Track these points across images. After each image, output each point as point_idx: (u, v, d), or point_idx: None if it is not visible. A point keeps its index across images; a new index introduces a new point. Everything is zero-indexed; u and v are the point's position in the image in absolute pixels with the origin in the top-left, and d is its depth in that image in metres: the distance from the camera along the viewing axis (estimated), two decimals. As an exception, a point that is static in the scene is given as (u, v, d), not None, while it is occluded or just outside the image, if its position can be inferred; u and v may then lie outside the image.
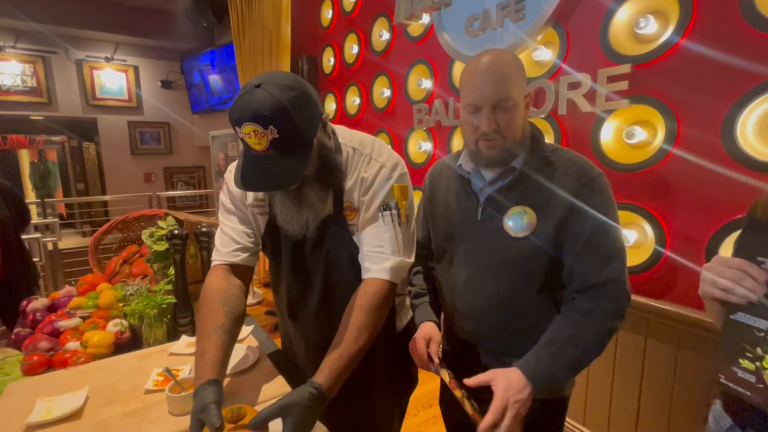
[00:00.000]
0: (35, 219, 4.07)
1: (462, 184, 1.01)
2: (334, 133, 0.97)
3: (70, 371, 1.10)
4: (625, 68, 1.60)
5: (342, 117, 3.54)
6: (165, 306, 1.32)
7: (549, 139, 1.90)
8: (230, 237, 1.01)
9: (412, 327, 1.12)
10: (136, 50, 6.08)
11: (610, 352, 1.73)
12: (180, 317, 1.36)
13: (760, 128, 1.31)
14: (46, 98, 5.51)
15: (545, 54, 1.91)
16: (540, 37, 1.93)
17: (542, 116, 1.92)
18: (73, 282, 1.76)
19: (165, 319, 1.33)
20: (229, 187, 1.02)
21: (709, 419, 0.83)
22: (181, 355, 1.17)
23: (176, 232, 1.37)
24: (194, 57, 5.95)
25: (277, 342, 1.30)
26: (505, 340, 0.98)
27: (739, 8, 1.31)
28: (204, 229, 1.42)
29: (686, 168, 1.48)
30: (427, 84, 2.60)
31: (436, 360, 0.98)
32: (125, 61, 6.01)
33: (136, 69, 6.11)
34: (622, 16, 1.63)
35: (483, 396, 0.85)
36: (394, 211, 0.95)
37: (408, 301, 1.17)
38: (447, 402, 1.23)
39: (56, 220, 4.15)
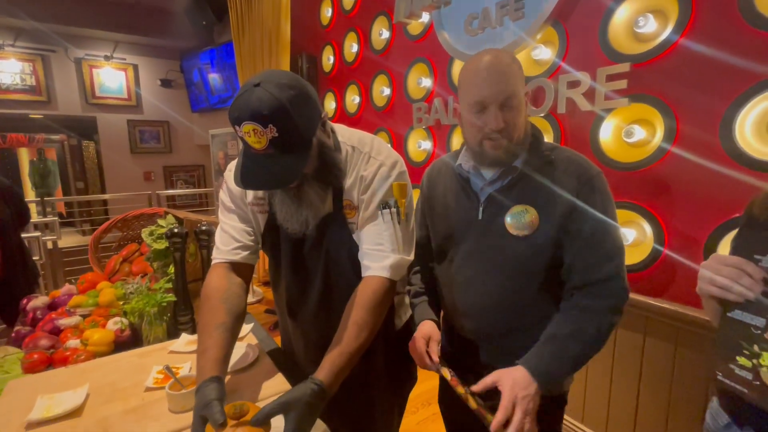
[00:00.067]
0: (35, 218, 4.07)
1: (461, 184, 1.02)
2: (333, 131, 0.98)
3: (71, 369, 1.10)
4: (625, 67, 1.60)
5: (342, 116, 3.54)
6: (165, 304, 1.33)
7: (548, 137, 1.90)
8: (230, 235, 1.01)
9: (411, 325, 1.12)
10: (135, 49, 6.08)
11: (609, 351, 1.74)
12: (180, 315, 1.36)
13: (758, 127, 1.32)
14: (45, 97, 5.51)
15: (544, 53, 1.91)
16: (539, 36, 1.93)
17: (541, 115, 1.92)
18: (73, 280, 1.77)
19: (165, 317, 1.33)
20: (228, 186, 1.03)
21: (707, 416, 0.84)
22: (181, 353, 1.17)
23: (176, 230, 1.37)
24: (194, 55, 5.94)
25: (277, 340, 1.30)
26: (506, 338, 0.99)
27: (738, 7, 1.31)
28: (204, 228, 1.42)
29: (685, 167, 1.48)
30: (427, 83, 2.60)
31: (436, 358, 0.98)
32: (124, 59, 6.01)
33: (135, 67, 6.11)
34: (621, 15, 1.63)
35: (490, 397, 0.85)
36: (394, 210, 0.95)
37: (407, 300, 1.17)
38: (446, 400, 1.24)
39: (56, 218, 4.15)
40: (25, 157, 8.03)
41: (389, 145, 1.03)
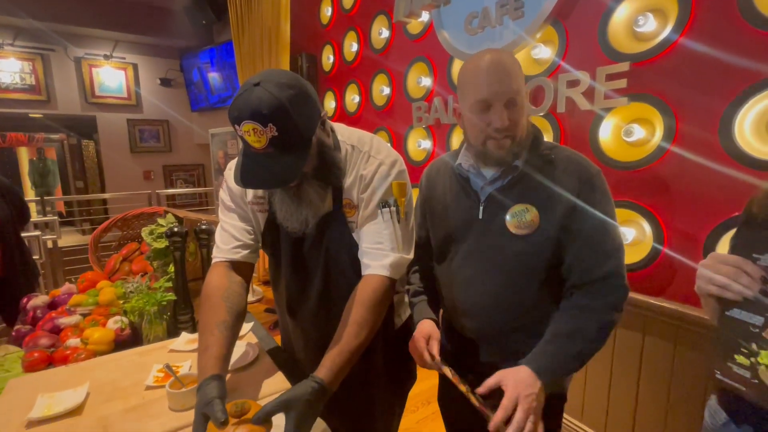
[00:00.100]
0: (35, 217, 4.07)
1: (461, 184, 1.02)
2: (332, 130, 0.98)
3: (71, 368, 1.11)
4: (624, 66, 1.60)
5: (342, 115, 3.54)
6: (165, 303, 1.33)
7: (548, 137, 1.91)
8: (230, 234, 1.01)
9: (410, 324, 1.13)
10: (135, 48, 6.07)
11: (608, 349, 1.74)
12: (180, 314, 1.36)
13: (757, 126, 1.32)
14: (45, 96, 5.50)
15: (544, 52, 1.91)
16: (539, 35, 1.93)
17: (541, 114, 1.92)
18: (73, 279, 1.77)
19: (165, 316, 1.34)
20: (228, 185, 1.03)
21: (705, 414, 0.84)
22: (181, 351, 1.17)
23: (176, 229, 1.37)
24: (193, 55, 5.94)
25: (277, 339, 1.30)
26: (507, 336, 0.99)
27: (737, 6, 1.31)
28: (204, 227, 1.43)
29: (684, 166, 1.49)
30: (427, 82, 2.60)
31: (437, 357, 0.98)
32: (124, 58, 6.00)
33: (135, 67, 6.10)
34: (621, 14, 1.63)
35: (494, 397, 0.85)
36: (393, 208, 0.95)
37: (407, 299, 1.17)
38: (446, 399, 1.24)
39: (56, 218, 4.15)
40: (24, 156, 8.03)
41: (389, 144, 1.03)
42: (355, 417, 1.12)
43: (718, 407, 0.80)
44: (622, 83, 1.61)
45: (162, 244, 1.52)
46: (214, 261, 1.01)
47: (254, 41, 3.80)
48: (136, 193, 5.43)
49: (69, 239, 5.15)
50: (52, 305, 1.55)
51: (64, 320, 1.34)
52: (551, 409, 1.01)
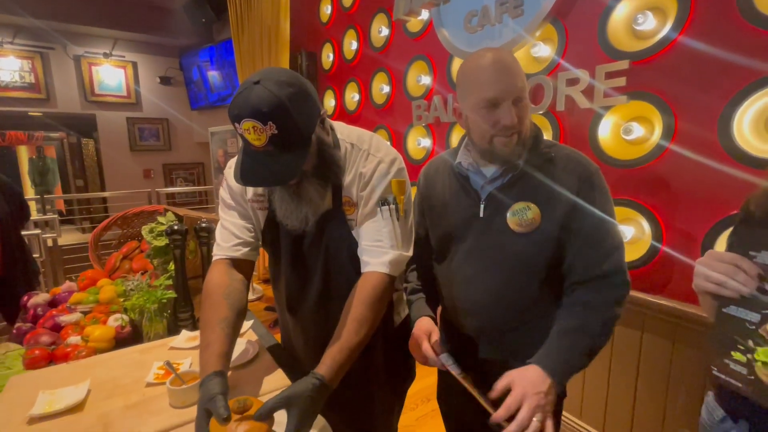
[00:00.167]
0: (35, 215, 4.08)
1: (461, 182, 1.02)
2: (332, 128, 0.98)
3: (72, 365, 1.11)
4: (623, 64, 1.60)
5: (341, 113, 3.54)
6: (165, 301, 1.33)
7: (548, 135, 1.91)
8: (231, 232, 1.01)
9: (409, 322, 1.13)
10: (134, 46, 6.07)
11: (607, 347, 1.74)
12: (180, 312, 1.37)
13: (756, 124, 1.32)
14: (44, 94, 5.50)
15: (544, 50, 1.91)
16: (538, 34, 1.93)
17: (540, 112, 1.93)
18: (73, 278, 1.77)
19: (165, 314, 1.34)
20: (228, 183, 1.03)
21: (702, 411, 0.85)
22: (181, 349, 1.18)
23: (176, 227, 1.37)
24: (193, 53, 5.94)
25: (277, 337, 1.31)
26: (506, 334, 0.99)
27: (736, 5, 1.32)
28: (204, 225, 1.43)
29: (683, 164, 1.49)
30: (426, 80, 2.60)
31: (440, 353, 0.97)
32: (123, 57, 6.00)
33: (134, 65, 6.10)
34: (620, 12, 1.63)
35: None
36: (392, 206, 0.96)
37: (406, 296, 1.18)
38: (445, 397, 1.24)
39: (56, 216, 4.15)
40: (24, 154, 8.02)
41: (388, 143, 1.03)
42: (355, 414, 1.12)
43: (716, 404, 0.80)
44: (622, 81, 1.62)
45: (162, 242, 1.52)
46: (214, 259, 1.02)
47: (254, 39, 3.80)
48: (136, 192, 5.44)
49: (69, 238, 5.15)
50: (53, 303, 1.55)
51: (65, 318, 1.35)
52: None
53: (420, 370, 1.24)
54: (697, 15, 1.42)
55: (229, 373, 1.02)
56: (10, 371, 1.11)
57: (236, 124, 0.80)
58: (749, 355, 0.64)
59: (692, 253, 1.50)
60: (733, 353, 0.66)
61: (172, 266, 1.44)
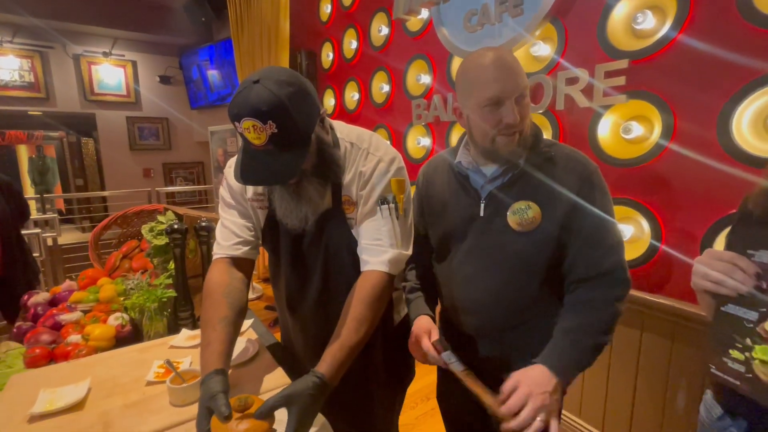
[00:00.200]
0: (34, 214, 4.08)
1: (460, 181, 1.02)
2: (331, 127, 0.98)
3: (72, 364, 1.11)
4: (623, 64, 1.61)
5: (341, 112, 3.54)
6: (165, 300, 1.34)
7: (547, 134, 1.91)
8: (231, 231, 1.02)
9: (409, 320, 1.13)
10: (134, 45, 6.06)
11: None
12: (180, 311, 1.37)
13: (755, 123, 1.32)
14: (44, 93, 5.50)
15: (543, 49, 1.92)
16: (538, 33, 1.93)
17: (540, 111, 1.93)
18: (73, 277, 1.78)
19: (165, 313, 1.34)
20: (228, 182, 1.03)
21: (701, 409, 0.85)
22: (181, 347, 1.18)
23: (176, 226, 1.38)
24: (192, 52, 5.93)
25: (277, 336, 1.31)
26: (506, 333, 1.00)
27: (735, 4, 1.32)
28: (203, 224, 1.43)
29: (682, 163, 1.49)
30: (426, 79, 2.60)
31: (442, 351, 0.96)
32: (123, 56, 5.99)
33: (134, 64, 6.09)
34: (619, 12, 1.63)
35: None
36: (392, 205, 0.96)
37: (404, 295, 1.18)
38: (445, 395, 1.25)
39: (55, 215, 4.15)
40: (24, 154, 8.01)
41: (387, 142, 1.03)
42: (355, 412, 1.13)
43: (714, 402, 0.80)
44: (621, 80, 1.62)
45: (162, 241, 1.52)
46: (214, 257, 1.02)
47: (253, 38, 3.80)
48: (135, 191, 5.44)
49: (69, 237, 5.15)
50: (53, 302, 1.55)
51: (65, 317, 1.35)
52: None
53: (420, 368, 1.25)
54: (696, 14, 1.42)
55: (230, 371, 1.02)
56: (11, 370, 1.11)
57: (236, 123, 0.80)
58: (747, 354, 0.64)
59: (691, 251, 1.50)
60: (731, 351, 0.67)
61: (172, 265, 1.44)
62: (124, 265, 1.81)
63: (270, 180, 0.88)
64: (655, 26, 1.52)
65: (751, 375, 0.64)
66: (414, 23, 2.67)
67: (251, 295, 4.06)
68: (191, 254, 1.51)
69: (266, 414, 0.72)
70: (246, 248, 1.02)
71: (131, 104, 6.13)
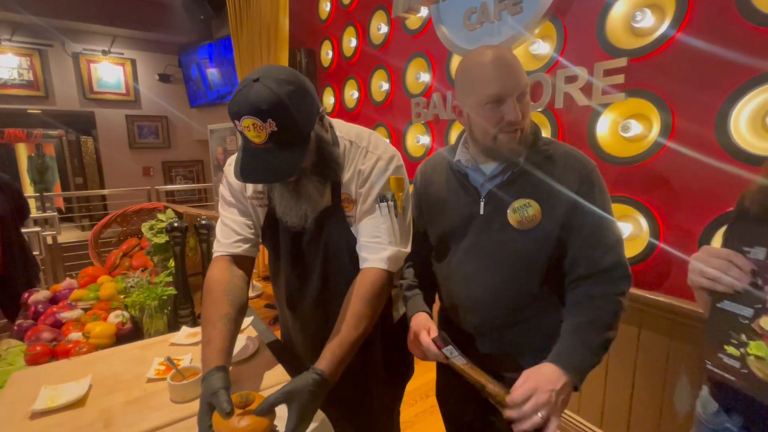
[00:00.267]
0: (34, 213, 4.08)
1: (459, 180, 1.02)
2: (331, 126, 0.99)
3: (73, 361, 1.12)
4: (622, 62, 1.61)
5: (340, 110, 3.54)
6: (165, 297, 1.34)
7: (546, 132, 1.91)
8: (231, 228, 1.02)
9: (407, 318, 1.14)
10: (133, 43, 6.05)
11: (605, 343, 1.76)
12: (180, 308, 1.38)
13: (753, 121, 1.33)
14: (43, 92, 5.49)
15: (542, 47, 1.92)
16: (537, 31, 1.94)
17: (539, 110, 1.93)
18: (73, 275, 1.78)
19: (165, 311, 1.35)
20: (228, 180, 1.04)
21: (697, 405, 0.86)
22: (181, 345, 1.19)
23: (176, 224, 1.38)
24: (192, 50, 5.92)
25: (277, 334, 1.32)
26: (506, 330, 1.00)
27: (734, 2, 1.32)
28: (203, 222, 1.43)
29: (680, 161, 1.50)
30: (426, 77, 2.60)
31: (443, 346, 0.96)
32: (122, 54, 5.99)
33: (133, 62, 6.09)
34: (618, 10, 1.63)
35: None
36: (391, 203, 0.96)
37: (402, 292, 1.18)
38: (444, 393, 1.25)
39: (55, 214, 4.16)
40: (23, 152, 8.00)
41: (387, 140, 1.04)
42: (354, 409, 1.13)
43: (710, 397, 0.81)
44: (620, 79, 1.62)
45: (162, 239, 1.53)
46: (215, 255, 1.03)
47: (253, 37, 3.80)
48: (135, 189, 5.44)
49: (68, 235, 5.15)
50: (54, 300, 1.56)
51: (66, 314, 1.35)
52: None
53: (419, 366, 1.25)
54: (694, 12, 1.42)
55: (230, 368, 1.03)
56: (12, 367, 1.12)
57: (236, 122, 0.80)
58: (742, 349, 0.65)
59: (689, 249, 1.51)
60: (726, 347, 0.67)
61: (172, 263, 1.44)
62: (124, 263, 1.82)
63: (269, 178, 0.88)
64: (654, 24, 1.52)
65: (746, 371, 0.65)
66: (413, 21, 2.67)
67: (251, 294, 4.06)
68: (191, 252, 1.51)
69: (267, 410, 0.72)
70: (246, 246, 1.02)
71: (130, 102, 6.13)
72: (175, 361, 1.01)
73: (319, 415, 0.86)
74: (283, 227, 1.03)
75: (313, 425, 0.80)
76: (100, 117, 5.94)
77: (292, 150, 0.84)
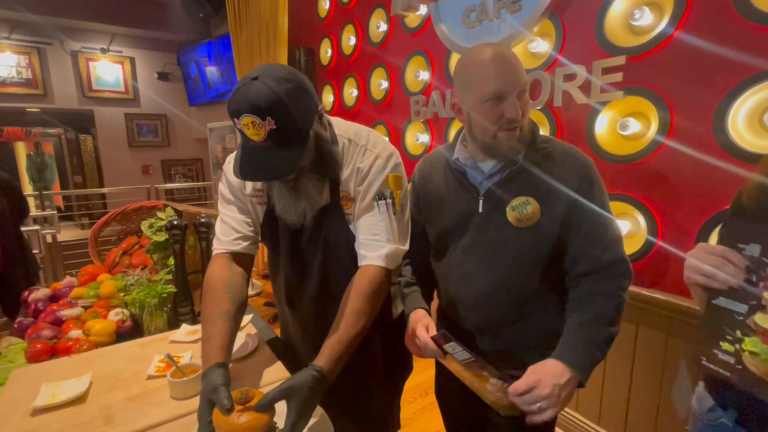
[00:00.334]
0: (33, 211, 4.08)
1: (458, 177, 1.02)
2: (330, 124, 0.99)
3: (74, 358, 1.13)
4: (620, 60, 1.61)
5: (340, 109, 3.54)
6: (165, 295, 1.35)
7: (545, 130, 1.92)
8: (230, 226, 1.03)
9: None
10: (132, 41, 6.04)
11: (603, 340, 1.76)
12: (180, 306, 1.38)
13: (750, 120, 1.33)
14: (41, 90, 5.48)
15: (541, 45, 1.92)
16: (536, 29, 1.94)
17: (538, 108, 1.93)
18: (73, 273, 1.78)
19: (165, 308, 1.35)
20: (228, 178, 1.04)
21: (693, 401, 0.86)
22: (181, 342, 1.19)
23: (176, 222, 1.38)
24: (191, 49, 5.91)
25: (276, 332, 1.32)
26: (505, 328, 1.00)
27: (732, 1, 1.32)
28: (203, 220, 1.44)
29: (678, 159, 1.50)
30: (425, 76, 2.60)
31: (444, 343, 0.95)
32: (121, 52, 5.98)
33: (132, 60, 6.08)
34: (617, 8, 1.63)
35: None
36: (389, 201, 0.97)
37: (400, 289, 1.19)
38: (443, 390, 1.25)
39: (54, 212, 4.16)
40: (22, 151, 7.99)
41: (385, 138, 1.04)
42: (353, 406, 1.14)
43: (705, 393, 0.82)
44: (618, 77, 1.62)
45: (162, 237, 1.53)
46: (214, 253, 1.03)
47: (252, 35, 3.79)
48: (134, 188, 5.44)
49: (68, 234, 5.15)
50: (54, 298, 1.56)
51: (66, 312, 1.36)
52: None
53: (418, 363, 1.26)
54: (693, 11, 1.43)
55: (230, 365, 1.03)
56: (13, 365, 1.12)
57: (235, 120, 0.81)
58: (737, 345, 0.66)
59: (687, 247, 1.51)
60: (721, 343, 0.68)
61: (171, 261, 1.45)
62: (124, 261, 1.82)
63: (269, 176, 0.89)
64: (652, 23, 1.52)
65: (740, 366, 0.65)
66: (412, 19, 2.67)
67: (251, 292, 4.07)
68: (191, 250, 1.51)
69: (267, 407, 0.73)
70: (245, 243, 1.03)
71: (129, 101, 6.12)
72: (175, 358, 1.02)
73: (318, 411, 0.86)
74: (282, 225, 1.03)
75: (312, 421, 0.80)
76: (99, 115, 5.93)
77: (291, 148, 0.85)
